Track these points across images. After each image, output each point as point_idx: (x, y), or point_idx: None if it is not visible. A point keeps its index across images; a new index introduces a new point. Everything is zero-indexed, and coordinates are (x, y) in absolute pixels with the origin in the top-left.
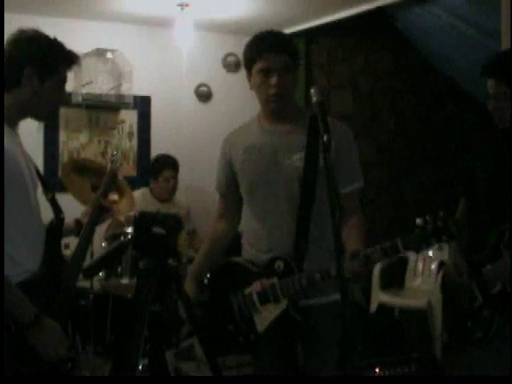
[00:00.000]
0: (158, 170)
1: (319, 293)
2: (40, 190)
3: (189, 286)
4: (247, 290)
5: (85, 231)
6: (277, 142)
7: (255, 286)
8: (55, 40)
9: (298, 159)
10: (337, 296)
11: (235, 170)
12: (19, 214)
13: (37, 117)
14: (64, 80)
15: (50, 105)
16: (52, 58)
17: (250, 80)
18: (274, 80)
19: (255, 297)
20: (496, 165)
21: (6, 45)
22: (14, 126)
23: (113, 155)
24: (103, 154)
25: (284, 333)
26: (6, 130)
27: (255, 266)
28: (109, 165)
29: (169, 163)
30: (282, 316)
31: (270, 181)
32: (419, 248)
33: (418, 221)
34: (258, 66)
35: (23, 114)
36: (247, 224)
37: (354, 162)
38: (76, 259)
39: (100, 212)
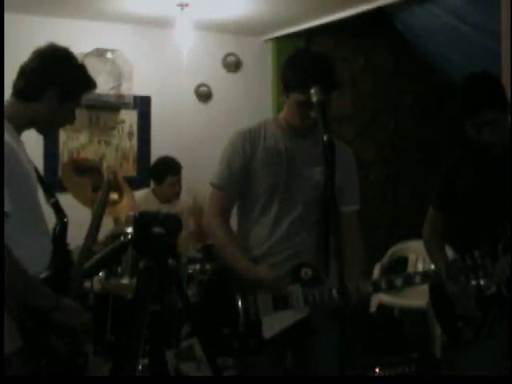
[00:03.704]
0: (161, 175)
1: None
2: (41, 194)
3: (264, 272)
4: (261, 293)
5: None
6: (298, 149)
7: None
8: (82, 66)
9: (318, 172)
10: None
11: (253, 169)
12: (24, 215)
13: (41, 132)
14: (79, 104)
15: (59, 125)
16: (77, 85)
17: (282, 91)
18: (313, 113)
19: (270, 301)
20: (481, 177)
21: (35, 55)
22: (19, 132)
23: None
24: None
25: (297, 340)
26: (13, 133)
27: (272, 269)
28: (100, 196)
29: (172, 168)
30: (300, 323)
31: (289, 186)
32: (458, 278)
33: (457, 256)
34: (301, 97)
35: (31, 126)
36: (252, 227)
37: (356, 186)
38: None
39: (88, 255)
